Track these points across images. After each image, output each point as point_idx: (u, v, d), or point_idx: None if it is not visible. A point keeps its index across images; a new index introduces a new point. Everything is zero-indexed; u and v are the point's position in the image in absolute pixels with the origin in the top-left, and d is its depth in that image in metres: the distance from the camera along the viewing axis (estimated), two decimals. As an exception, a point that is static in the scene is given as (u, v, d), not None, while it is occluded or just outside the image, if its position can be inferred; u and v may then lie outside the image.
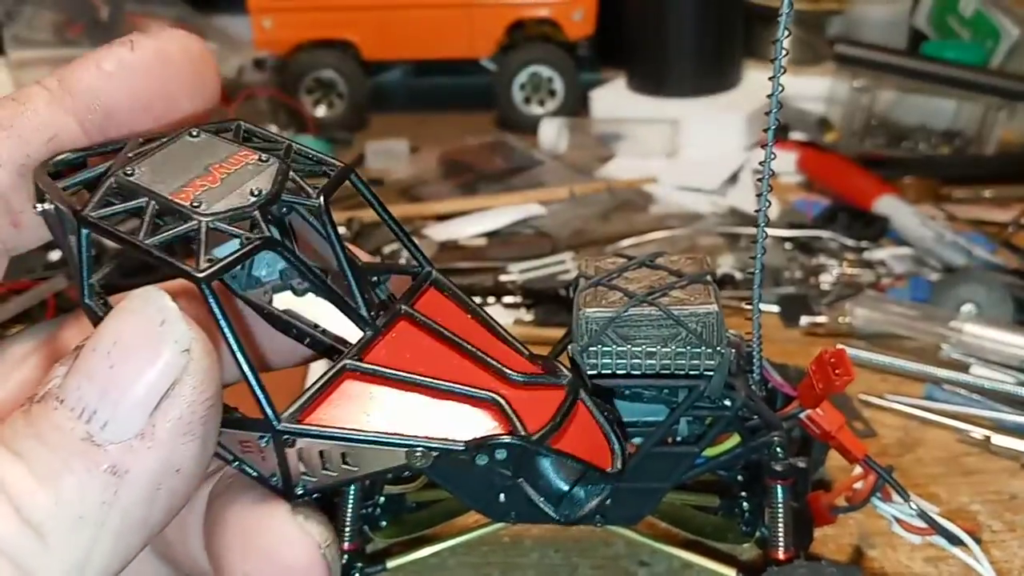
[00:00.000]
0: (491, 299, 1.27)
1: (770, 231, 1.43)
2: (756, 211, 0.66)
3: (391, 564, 0.77)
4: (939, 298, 1.17)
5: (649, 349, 0.69)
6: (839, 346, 1.08)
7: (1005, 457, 0.98)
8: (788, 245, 1.39)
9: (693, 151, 1.72)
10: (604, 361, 0.69)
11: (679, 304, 0.69)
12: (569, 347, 0.71)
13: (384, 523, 0.83)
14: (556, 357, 0.77)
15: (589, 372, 0.70)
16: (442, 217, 1.52)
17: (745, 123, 1.74)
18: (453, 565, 0.87)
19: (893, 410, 1.05)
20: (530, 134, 1.83)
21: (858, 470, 0.78)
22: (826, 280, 1.31)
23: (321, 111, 1.96)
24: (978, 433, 1.00)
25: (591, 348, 0.69)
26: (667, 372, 0.70)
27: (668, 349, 0.69)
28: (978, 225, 1.46)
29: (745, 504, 0.80)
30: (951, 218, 1.48)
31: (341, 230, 1.48)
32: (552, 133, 1.77)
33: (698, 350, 0.69)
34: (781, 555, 0.72)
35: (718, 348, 0.68)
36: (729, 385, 0.70)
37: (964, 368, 1.09)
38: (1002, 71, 1.82)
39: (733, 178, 1.64)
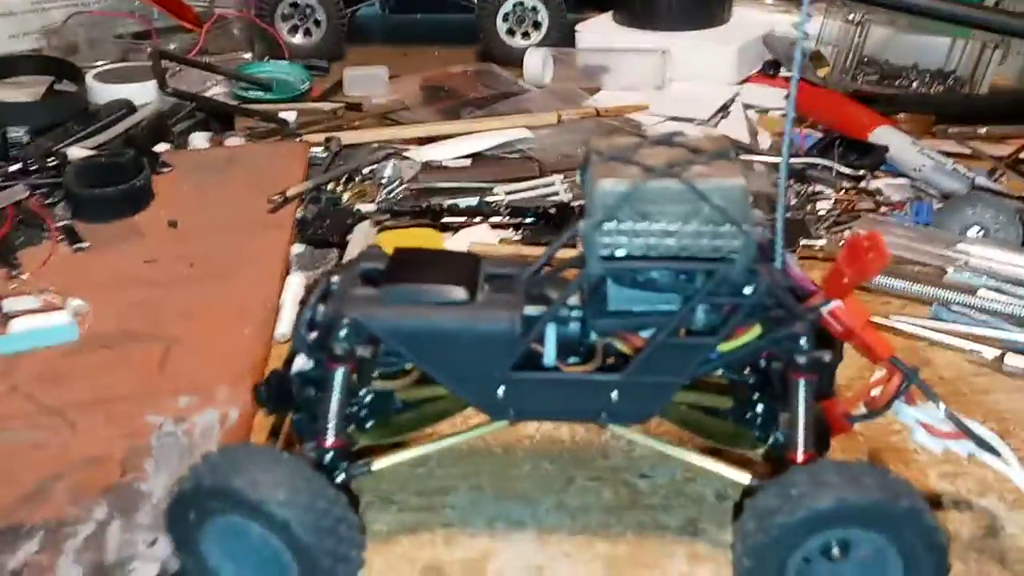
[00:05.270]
0: (477, 219, 1.22)
1: (765, 159, 1.39)
2: (785, 97, 0.63)
3: (376, 465, 0.71)
4: (945, 221, 1.13)
5: (668, 228, 0.64)
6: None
7: (1018, 377, 0.94)
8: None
9: (682, 84, 1.67)
10: (619, 240, 0.64)
11: (702, 178, 0.63)
12: (580, 224, 0.65)
13: (370, 424, 0.77)
14: (556, 249, 0.73)
15: (602, 253, 0.64)
16: (425, 141, 1.46)
17: (736, 56, 1.69)
18: (442, 475, 0.82)
19: (899, 331, 1.01)
20: (514, 68, 1.77)
21: (876, 375, 0.73)
22: (823, 207, 1.26)
23: (298, 39, 1.89)
24: (989, 353, 0.96)
25: (606, 225, 0.64)
26: (686, 255, 0.65)
27: (689, 228, 0.63)
28: (974, 159, 1.42)
29: (759, 408, 0.75)
30: (946, 154, 1.44)
31: (318, 150, 1.42)
32: (537, 64, 1.70)
33: (721, 229, 0.63)
34: (800, 457, 0.67)
35: (744, 226, 0.63)
36: (751, 271, 0.65)
37: (970, 292, 1.05)
38: (997, 8, 1.78)
39: (724, 109, 1.59)
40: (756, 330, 0.68)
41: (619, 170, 0.65)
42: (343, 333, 0.68)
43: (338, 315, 0.69)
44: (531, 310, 0.69)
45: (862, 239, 0.64)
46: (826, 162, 1.34)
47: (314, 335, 0.71)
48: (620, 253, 0.64)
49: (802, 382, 0.67)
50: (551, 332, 0.69)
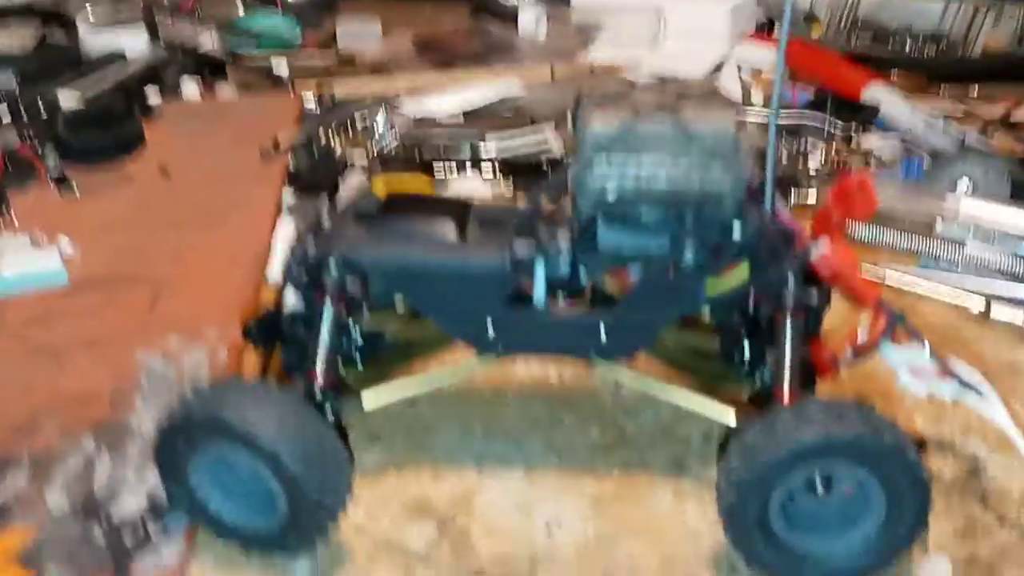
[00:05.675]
0: (468, 169, 1.22)
1: (756, 111, 1.39)
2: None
3: (367, 401, 0.72)
4: (935, 177, 1.14)
5: (658, 167, 0.64)
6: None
7: (1003, 327, 0.95)
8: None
9: (676, 42, 1.67)
10: (610, 179, 0.64)
11: (692, 119, 0.64)
12: (571, 164, 0.66)
13: (360, 360, 0.78)
14: (541, 193, 0.73)
15: (593, 193, 0.65)
16: (417, 93, 1.45)
17: (730, 16, 1.68)
18: (431, 414, 0.83)
19: (889, 283, 1.02)
20: (508, 23, 1.76)
21: (863, 321, 0.74)
22: (814, 162, 1.27)
23: (289, -8, 1.88)
24: (975, 304, 0.97)
25: (597, 164, 0.64)
26: (676, 194, 0.65)
27: (679, 167, 0.64)
28: (965, 119, 1.42)
29: (746, 349, 0.76)
30: (938, 113, 1.44)
31: (310, 104, 1.42)
32: (531, 20, 1.70)
33: (710, 168, 0.64)
34: (787, 396, 0.68)
35: (733, 163, 0.63)
36: (740, 210, 0.66)
37: (959, 245, 1.05)
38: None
39: (717, 68, 1.59)
40: (744, 270, 0.69)
41: (610, 111, 0.65)
42: (334, 267, 0.68)
43: (330, 250, 0.69)
44: (521, 249, 0.70)
45: (852, 181, 0.65)
46: (817, 116, 1.34)
47: (305, 275, 0.71)
48: (611, 192, 0.64)
49: (789, 321, 0.68)
50: (540, 270, 0.69)
